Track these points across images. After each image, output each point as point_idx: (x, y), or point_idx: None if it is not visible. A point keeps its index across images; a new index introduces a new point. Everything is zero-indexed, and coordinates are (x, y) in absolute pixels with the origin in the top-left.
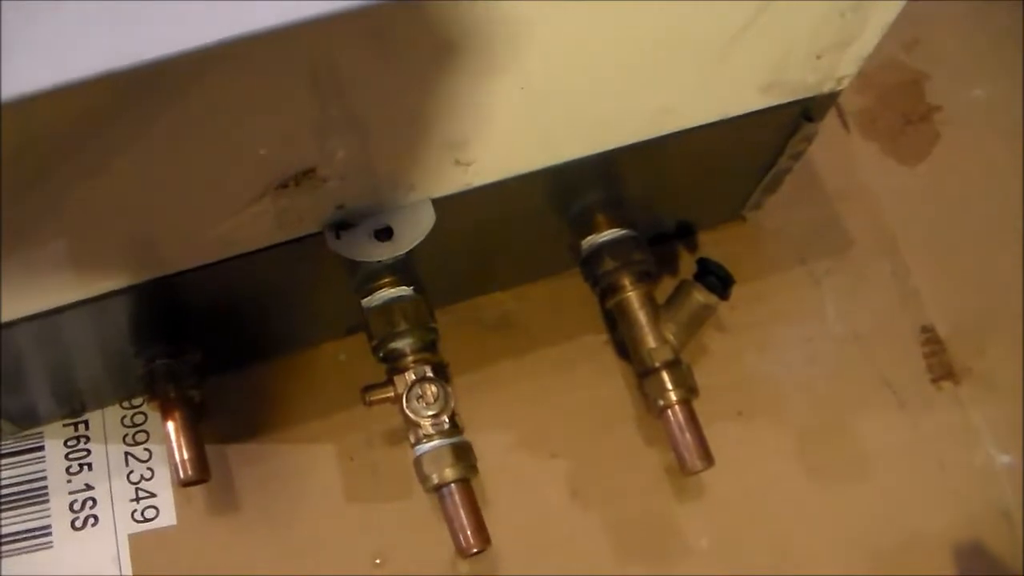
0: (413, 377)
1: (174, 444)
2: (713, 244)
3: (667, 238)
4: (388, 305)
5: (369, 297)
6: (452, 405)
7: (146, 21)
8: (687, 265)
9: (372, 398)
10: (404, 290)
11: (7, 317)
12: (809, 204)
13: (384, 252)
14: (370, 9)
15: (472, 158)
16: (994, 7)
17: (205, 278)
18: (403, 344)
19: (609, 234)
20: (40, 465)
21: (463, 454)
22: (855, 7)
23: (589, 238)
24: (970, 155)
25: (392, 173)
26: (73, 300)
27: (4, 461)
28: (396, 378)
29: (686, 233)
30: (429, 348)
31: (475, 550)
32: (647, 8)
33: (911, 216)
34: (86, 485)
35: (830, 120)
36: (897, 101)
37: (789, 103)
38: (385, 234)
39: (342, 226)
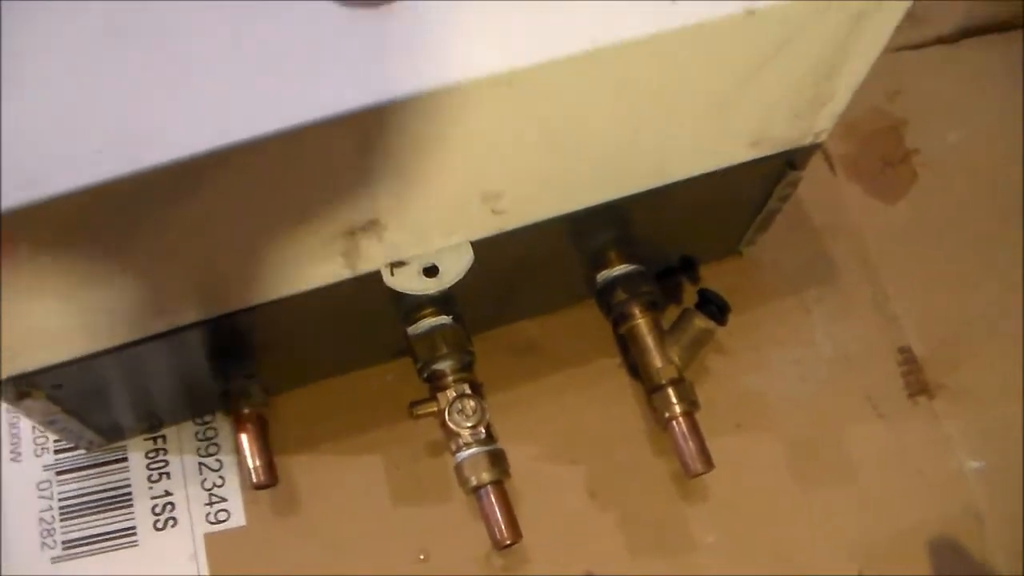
0: (454, 394)
1: (247, 453)
2: (713, 276)
3: (672, 271)
4: (431, 332)
5: (414, 325)
6: (487, 418)
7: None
8: (690, 295)
9: (418, 412)
10: (444, 319)
11: (96, 348)
12: (799, 239)
13: (431, 286)
14: (428, 95)
15: (505, 207)
16: (967, 54)
17: (275, 311)
18: (444, 365)
19: (621, 269)
20: (125, 474)
21: (497, 460)
22: (826, 75)
23: (603, 272)
24: (944, 193)
25: (441, 221)
26: (156, 333)
27: (94, 471)
28: (439, 395)
29: (689, 267)
30: (467, 368)
31: (508, 542)
32: (649, 88)
33: (891, 249)
34: (165, 491)
35: (818, 163)
36: (879, 145)
37: (774, 155)
38: (432, 271)
39: (396, 264)
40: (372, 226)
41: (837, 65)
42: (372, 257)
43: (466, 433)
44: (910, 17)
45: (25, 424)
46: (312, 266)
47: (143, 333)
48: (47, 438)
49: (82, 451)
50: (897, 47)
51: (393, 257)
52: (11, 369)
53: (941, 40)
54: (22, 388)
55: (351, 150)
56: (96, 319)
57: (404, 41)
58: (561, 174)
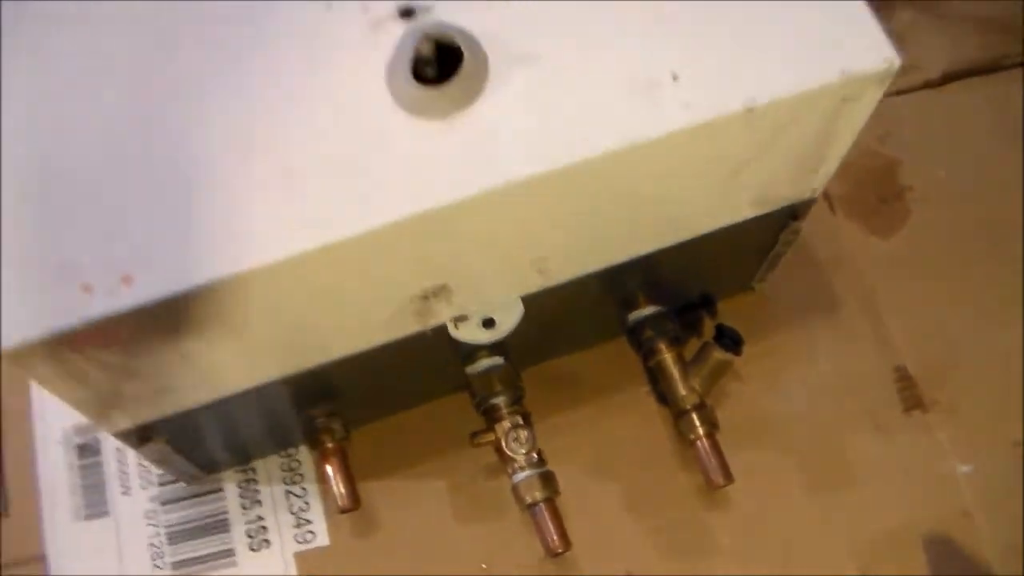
0: (509, 425)
1: (333, 481)
2: (729, 310)
3: (693, 306)
4: (487, 372)
5: (472, 366)
6: (537, 444)
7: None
8: (709, 327)
9: (478, 441)
10: (498, 360)
11: (206, 402)
12: (805, 274)
13: (489, 336)
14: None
15: (549, 268)
16: (951, 97)
17: (356, 361)
18: (499, 400)
19: (648, 310)
20: (222, 503)
21: (549, 480)
22: (818, 148)
23: (633, 313)
24: (936, 226)
25: (497, 283)
26: (255, 385)
27: (195, 500)
28: (496, 425)
29: (707, 303)
30: (518, 402)
31: (560, 551)
32: (670, 171)
33: (887, 279)
34: (258, 517)
35: (818, 203)
36: (874, 184)
37: (777, 210)
38: (489, 323)
39: (459, 319)
40: (442, 291)
41: (828, 139)
42: (439, 314)
43: (521, 458)
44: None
45: (132, 461)
46: (391, 324)
47: (245, 386)
48: (151, 473)
49: (183, 484)
50: (887, 93)
51: (457, 313)
52: (137, 420)
53: (928, 85)
54: (145, 435)
55: (429, 240)
56: (208, 379)
57: (465, 149)
58: (596, 241)
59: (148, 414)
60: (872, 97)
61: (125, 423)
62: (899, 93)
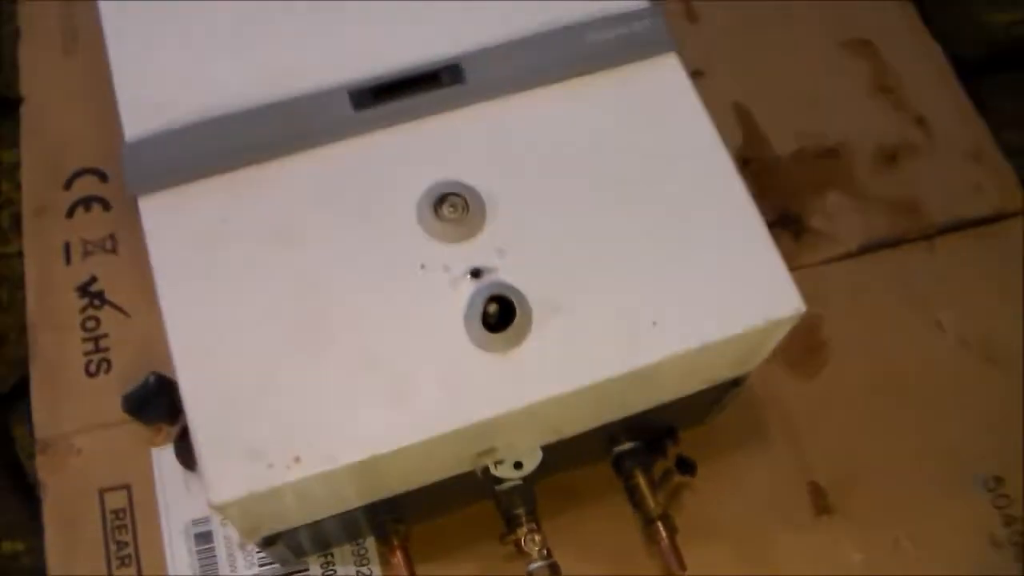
0: (526, 530)
1: (403, 566)
2: (687, 438)
3: (661, 437)
4: (510, 491)
5: (499, 487)
6: (546, 543)
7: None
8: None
9: (505, 540)
10: (518, 482)
11: (317, 519)
12: (744, 410)
13: (519, 474)
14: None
15: (563, 430)
16: (866, 266)
17: (420, 489)
18: (519, 512)
19: (627, 445)
20: None
21: (555, 569)
22: (754, 353)
23: (617, 447)
24: (849, 372)
25: (529, 443)
26: (350, 508)
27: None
28: (517, 529)
29: (671, 434)
30: (532, 512)
31: None
32: (647, 380)
33: (807, 413)
34: None
35: None
36: (801, 337)
37: (723, 383)
38: (519, 465)
39: (498, 462)
40: (491, 451)
41: (757, 351)
42: (485, 461)
43: (535, 553)
44: (826, 238)
45: (236, 548)
46: (451, 469)
47: (340, 511)
48: (253, 556)
49: (278, 565)
50: (816, 263)
51: (497, 459)
52: (269, 534)
53: (847, 255)
54: (271, 541)
55: (491, 429)
56: (320, 509)
57: (516, 375)
58: (598, 414)
59: (278, 527)
60: (785, 329)
61: (261, 536)
62: (824, 263)
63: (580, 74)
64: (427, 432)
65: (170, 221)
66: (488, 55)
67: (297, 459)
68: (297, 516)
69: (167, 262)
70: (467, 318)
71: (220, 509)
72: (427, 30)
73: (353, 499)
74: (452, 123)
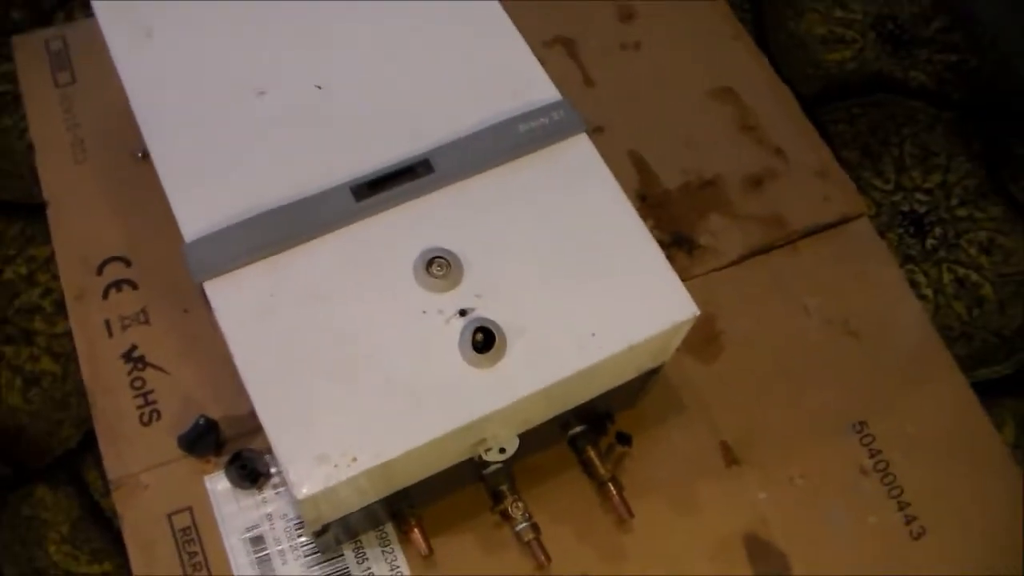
0: (511, 500)
1: (420, 541)
2: (623, 418)
3: (601, 419)
4: (495, 472)
5: (486, 471)
6: (527, 508)
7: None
8: (614, 430)
9: (494, 511)
10: (500, 466)
11: (357, 507)
12: (663, 391)
13: (502, 457)
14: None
15: (532, 420)
16: (747, 272)
17: (429, 480)
18: (503, 488)
19: (578, 428)
20: (344, 563)
21: (535, 527)
22: (671, 345)
23: (570, 431)
24: (743, 356)
25: (507, 432)
26: (371, 502)
27: (328, 563)
28: (504, 501)
29: (609, 416)
30: (513, 486)
31: (545, 565)
32: (593, 376)
33: (712, 389)
34: (367, 569)
35: None
36: (700, 330)
37: (646, 371)
38: (502, 451)
39: (487, 449)
40: (482, 441)
41: (667, 346)
42: (477, 450)
43: (519, 517)
44: (712, 252)
45: (285, 545)
46: (454, 458)
47: (379, 498)
48: (298, 550)
49: (319, 553)
50: (708, 271)
51: (487, 447)
52: (322, 523)
53: (732, 263)
54: (324, 529)
55: (484, 425)
56: (366, 497)
57: (498, 382)
58: (558, 405)
59: (330, 519)
60: (687, 328)
61: (320, 525)
62: (713, 271)
63: (518, 156)
64: (441, 429)
65: (231, 298)
66: (448, 149)
67: (354, 459)
68: (347, 505)
69: (234, 327)
70: (460, 345)
71: (302, 503)
72: (400, 134)
73: (386, 488)
74: (429, 203)
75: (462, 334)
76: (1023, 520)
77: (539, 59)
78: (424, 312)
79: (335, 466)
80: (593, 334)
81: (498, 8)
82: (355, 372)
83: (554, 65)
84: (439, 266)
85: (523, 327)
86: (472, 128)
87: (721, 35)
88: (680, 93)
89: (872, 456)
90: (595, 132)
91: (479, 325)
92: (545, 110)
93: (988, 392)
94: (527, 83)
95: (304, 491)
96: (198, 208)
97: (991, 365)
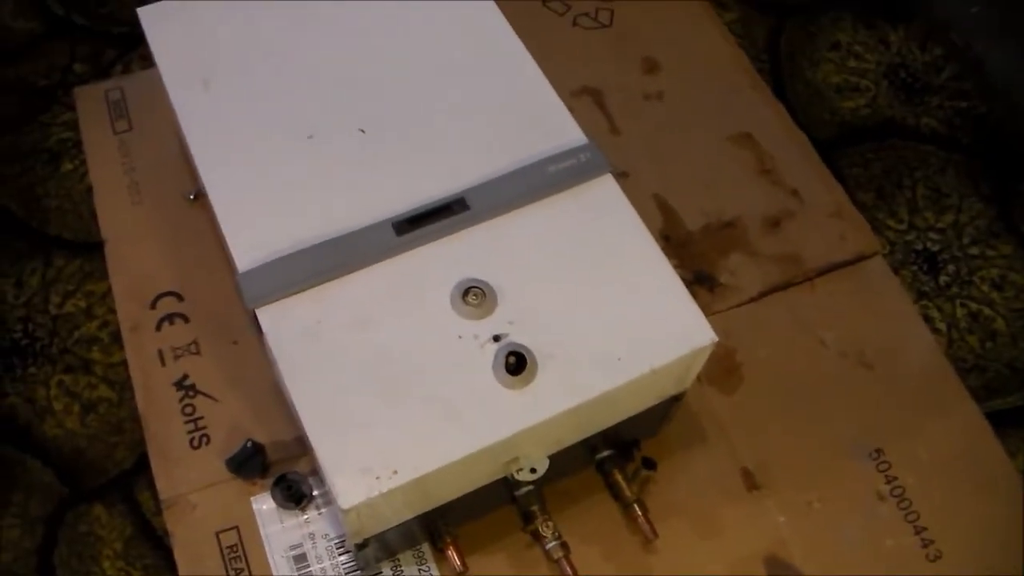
0: (541, 520)
1: (455, 559)
2: (647, 446)
3: (628, 445)
4: (527, 494)
5: (518, 492)
6: (557, 528)
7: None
8: (639, 455)
9: (526, 530)
10: (531, 487)
11: (395, 524)
12: (685, 419)
13: (533, 477)
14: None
15: (563, 441)
16: (764, 309)
17: (462, 499)
18: (534, 508)
19: (605, 452)
20: None
21: (565, 546)
22: (689, 372)
23: (598, 454)
24: (759, 387)
25: (538, 453)
26: (408, 518)
27: None
28: (534, 521)
29: (636, 443)
30: (544, 507)
31: None
32: (618, 399)
33: (733, 418)
34: None
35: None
36: (720, 362)
37: (668, 398)
38: (533, 471)
39: (519, 469)
40: (515, 460)
41: (688, 371)
42: (510, 469)
43: (550, 536)
44: (733, 289)
45: (326, 563)
46: (489, 476)
47: (417, 514)
48: (339, 567)
49: (360, 571)
50: (728, 308)
51: (519, 466)
52: (364, 536)
53: (751, 300)
54: (364, 543)
55: (519, 442)
56: (405, 513)
57: (531, 401)
58: (587, 428)
59: (371, 533)
60: (706, 354)
61: (362, 538)
62: (733, 308)
63: (547, 195)
64: (477, 445)
65: (280, 323)
66: (482, 188)
67: (395, 472)
68: (387, 519)
69: (284, 352)
70: (495, 368)
71: (346, 513)
72: (438, 174)
73: (424, 504)
74: (465, 238)
75: (496, 358)
76: None
77: (568, 108)
78: (460, 337)
79: (377, 478)
80: (619, 359)
81: (529, 58)
82: (396, 392)
83: (582, 114)
84: (474, 295)
85: (552, 352)
86: (505, 169)
87: (740, 85)
88: (701, 139)
89: (888, 482)
90: (621, 177)
91: (512, 349)
92: (573, 152)
93: (1002, 422)
94: (556, 127)
95: (349, 501)
96: (250, 241)
97: (1004, 396)
